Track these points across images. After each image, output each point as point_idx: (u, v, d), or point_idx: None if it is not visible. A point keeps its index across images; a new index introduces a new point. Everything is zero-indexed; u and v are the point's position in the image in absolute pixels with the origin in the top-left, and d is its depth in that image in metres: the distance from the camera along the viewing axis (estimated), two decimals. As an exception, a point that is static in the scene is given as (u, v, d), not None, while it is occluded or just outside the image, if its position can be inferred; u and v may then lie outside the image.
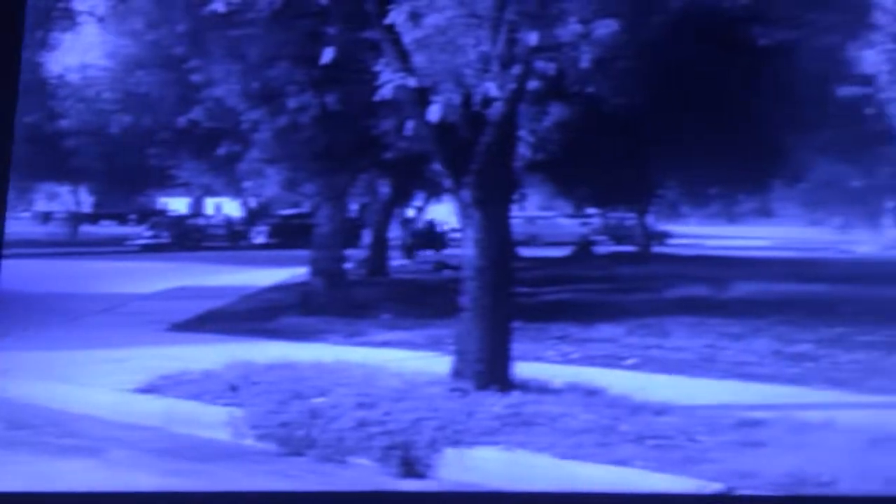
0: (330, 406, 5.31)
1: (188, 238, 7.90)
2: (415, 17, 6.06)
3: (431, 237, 7.13)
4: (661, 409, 5.10)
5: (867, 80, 5.83)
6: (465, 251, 5.77)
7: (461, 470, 4.90)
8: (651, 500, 4.63)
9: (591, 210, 6.89)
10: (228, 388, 5.65)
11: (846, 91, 5.83)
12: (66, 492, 4.81)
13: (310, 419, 5.24)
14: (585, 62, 6.04)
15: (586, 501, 4.68)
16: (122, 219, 8.29)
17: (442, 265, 7.08)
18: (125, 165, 7.79)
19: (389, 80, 5.96)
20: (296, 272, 6.69)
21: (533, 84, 6.15)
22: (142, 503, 4.86)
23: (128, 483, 4.80)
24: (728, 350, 5.58)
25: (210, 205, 7.91)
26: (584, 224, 6.95)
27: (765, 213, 6.40)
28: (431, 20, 6.07)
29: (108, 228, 8.19)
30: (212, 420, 5.41)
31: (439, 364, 5.68)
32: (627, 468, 4.70)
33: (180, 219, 8.10)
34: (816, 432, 4.90)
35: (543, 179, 6.69)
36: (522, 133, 6.31)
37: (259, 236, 7.49)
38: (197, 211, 8.08)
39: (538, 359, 5.73)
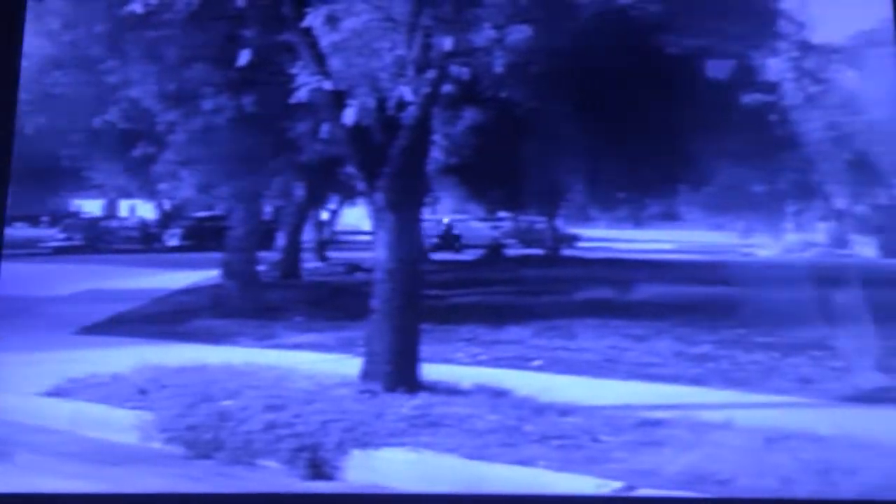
0: (239, 409, 5.31)
1: (101, 240, 7.81)
2: (332, 20, 6.10)
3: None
4: (566, 410, 5.19)
5: (771, 87, 5.98)
6: (377, 254, 5.82)
7: (368, 471, 4.95)
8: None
9: (502, 213, 6.97)
10: (137, 391, 5.62)
11: (751, 98, 5.97)
12: (66, 493, 4.80)
13: (218, 422, 5.25)
14: (499, 67, 6.13)
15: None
16: (34, 221, 8.17)
17: (354, 268, 7.11)
18: (39, 167, 7.68)
19: (305, 84, 5.99)
20: (209, 274, 6.68)
21: (447, 88, 6.23)
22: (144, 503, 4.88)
23: (34, 486, 4.79)
24: (631, 351, 5.68)
25: (124, 207, 7.83)
26: (496, 227, 7.03)
27: (670, 217, 6.51)
28: (348, 24, 6.11)
29: (20, 230, 8.07)
30: (120, 423, 5.38)
31: (350, 366, 5.68)
32: (532, 468, 4.82)
33: (93, 221, 8.01)
34: (716, 431, 5.01)
35: (456, 183, 6.76)
36: (436, 137, 6.37)
37: (172, 238, 7.44)
38: (110, 213, 7.98)
39: (447, 360, 5.78)
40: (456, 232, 6.90)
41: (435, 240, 6.86)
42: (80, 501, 4.74)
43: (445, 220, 6.72)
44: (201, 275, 6.63)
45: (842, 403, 5.21)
